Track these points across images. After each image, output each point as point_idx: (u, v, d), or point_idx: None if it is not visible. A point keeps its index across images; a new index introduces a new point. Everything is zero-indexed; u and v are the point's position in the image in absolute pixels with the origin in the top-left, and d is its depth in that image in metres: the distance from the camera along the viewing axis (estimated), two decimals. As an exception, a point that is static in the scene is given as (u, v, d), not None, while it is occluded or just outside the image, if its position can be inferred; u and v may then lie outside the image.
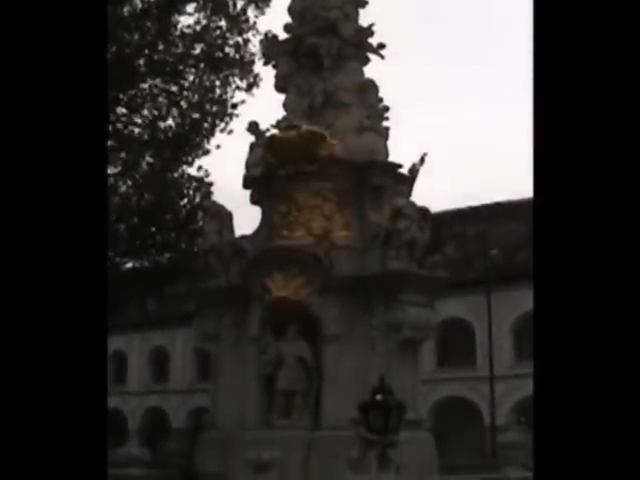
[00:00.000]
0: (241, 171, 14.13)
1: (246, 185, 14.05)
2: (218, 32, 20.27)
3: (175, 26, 20.14)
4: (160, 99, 20.25)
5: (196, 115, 20.34)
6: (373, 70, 14.73)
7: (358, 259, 12.67)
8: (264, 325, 12.60)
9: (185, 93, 20.31)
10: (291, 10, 14.83)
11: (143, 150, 19.78)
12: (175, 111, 20.30)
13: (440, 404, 24.01)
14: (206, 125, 20.37)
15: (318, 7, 14.27)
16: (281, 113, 14.32)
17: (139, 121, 20.22)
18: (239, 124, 18.50)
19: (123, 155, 19.77)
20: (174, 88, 20.26)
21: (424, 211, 12.70)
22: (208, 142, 20.64)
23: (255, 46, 19.82)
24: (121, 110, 19.71)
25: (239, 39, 20.35)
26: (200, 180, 20.42)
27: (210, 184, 20.29)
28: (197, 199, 20.28)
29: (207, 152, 20.75)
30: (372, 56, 14.68)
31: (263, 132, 14.11)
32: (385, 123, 13.88)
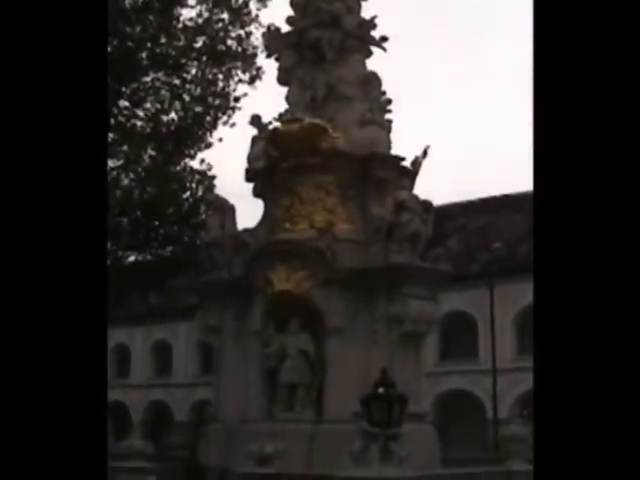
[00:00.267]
0: (243, 164, 14.14)
1: (248, 178, 14.04)
2: (220, 25, 20.23)
3: (177, 19, 20.12)
4: (162, 92, 20.24)
5: (198, 108, 20.33)
6: (376, 63, 14.72)
7: (361, 252, 12.66)
8: (267, 318, 12.61)
9: (187, 86, 20.30)
10: (293, 3, 14.79)
11: (145, 143, 19.77)
12: (177, 104, 20.29)
13: (442, 397, 24.03)
14: (208, 118, 20.37)
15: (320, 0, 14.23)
16: (283, 106, 14.30)
17: (141, 114, 20.22)
18: (241, 117, 18.51)
19: (125, 148, 19.77)
20: (176, 81, 20.25)
21: (427, 204, 12.68)
22: (210, 135, 20.67)
23: (257, 39, 19.81)
24: (123, 103, 19.71)
25: (241, 32, 20.33)
26: (202, 173, 20.42)
27: (213, 177, 20.27)
28: (199, 192, 20.28)
29: (209, 145, 20.76)
30: (375, 49, 14.66)
31: (265, 125, 14.09)
32: (388, 116, 13.86)
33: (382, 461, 9.23)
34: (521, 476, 10.38)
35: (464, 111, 58.66)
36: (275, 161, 13.37)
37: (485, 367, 24.19)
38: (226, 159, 21.80)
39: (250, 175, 13.99)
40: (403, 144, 13.89)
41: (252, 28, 20.29)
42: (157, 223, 20.33)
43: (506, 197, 27.14)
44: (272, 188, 13.69)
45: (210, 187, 19.94)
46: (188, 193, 20.49)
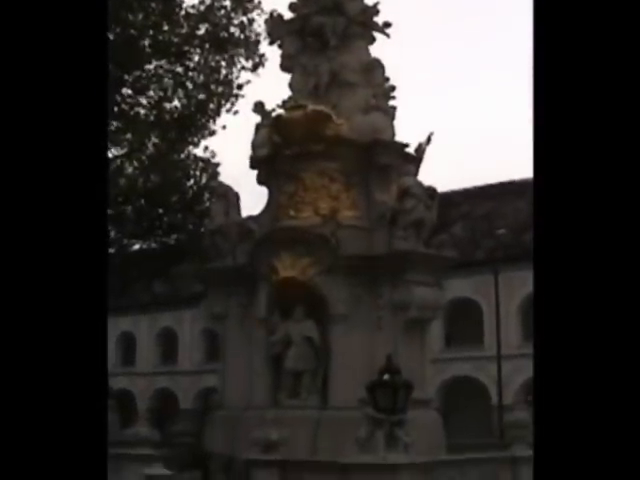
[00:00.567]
0: (247, 151, 14.11)
1: (252, 165, 14.02)
2: (223, 12, 20.15)
3: (179, 6, 20.04)
4: (165, 80, 20.19)
5: (202, 96, 20.28)
6: (379, 49, 14.66)
7: (365, 239, 12.65)
8: (271, 305, 12.61)
9: (190, 74, 20.25)
10: (296, -11, 14.71)
11: (149, 131, 19.74)
12: (180, 92, 20.25)
13: (447, 384, 24.06)
14: (212, 106, 20.33)
15: (323, -15, 14.15)
16: (287, 93, 14.26)
17: (145, 102, 20.19)
18: (245, 104, 18.47)
19: (129, 136, 19.74)
20: (179, 69, 20.20)
21: (431, 190, 12.66)
22: (214, 123, 20.63)
23: (260, 26, 19.75)
24: (126, 91, 19.67)
25: (244, 19, 20.25)
26: (206, 161, 20.40)
27: (216, 165, 20.28)
28: (203, 180, 20.27)
29: (213, 133, 20.73)
30: (378, 35, 14.59)
31: (269, 112, 14.05)
32: (391, 102, 13.80)
33: (387, 447, 9.26)
34: (526, 462, 10.39)
35: (468, 97, 58.50)
36: (279, 148, 13.35)
37: (490, 353, 24.20)
38: (230, 146, 21.80)
39: (254, 162, 13.97)
40: (407, 131, 13.87)
41: (255, 15, 20.24)
42: (161, 211, 20.33)
43: (510, 183, 27.06)
44: (276, 175, 13.67)
45: (214, 175, 19.95)
46: (192, 181, 20.48)
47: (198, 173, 20.47)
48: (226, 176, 16.15)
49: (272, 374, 12.55)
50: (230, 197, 13.89)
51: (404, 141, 13.50)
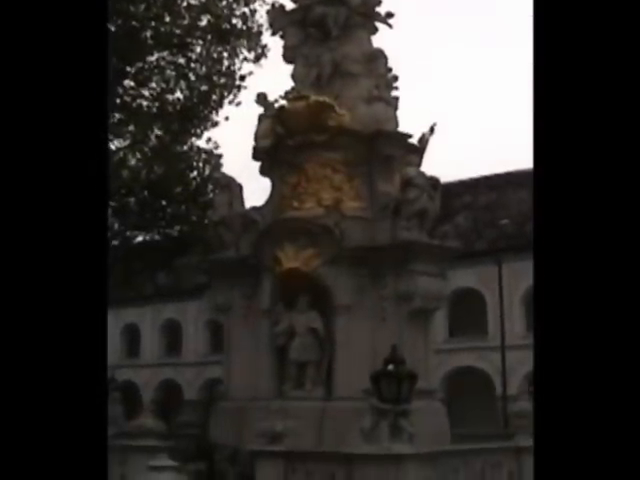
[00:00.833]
0: (250, 143, 14.10)
1: (255, 156, 14.01)
2: (225, 3, 20.09)
3: (181, -3, 19.96)
4: (168, 71, 20.15)
5: (204, 87, 20.24)
6: (381, 39, 14.61)
7: (368, 229, 12.64)
8: (275, 296, 12.62)
9: (193, 65, 20.20)
10: (297, -21, 14.66)
11: (151, 123, 19.71)
12: (183, 83, 20.21)
13: (452, 374, 24.06)
14: (214, 97, 20.28)
15: (325, -24, 14.10)
16: (289, 84, 14.23)
17: (147, 94, 20.15)
18: (247, 96, 18.43)
19: (132, 128, 19.72)
20: (181, 60, 20.15)
21: (434, 181, 12.64)
22: (217, 114, 20.60)
23: (262, 17, 19.68)
24: (129, 83, 19.64)
25: (246, 10, 20.20)
26: (209, 152, 20.36)
27: (219, 156, 20.19)
28: (206, 171, 20.23)
29: (216, 124, 20.70)
30: (380, 25, 14.54)
31: (271, 103, 14.04)
32: (394, 93, 13.77)
33: (392, 437, 9.27)
34: (530, 452, 10.39)
35: (471, 88, 58.32)
36: (281, 139, 13.33)
37: (494, 344, 24.19)
38: (232, 138, 21.76)
39: (257, 153, 13.95)
40: (409, 121, 13.83)
41: (256, 6, 20.18)
42: (164, 203, 20.31)
43: (513, 174, 26.99)
44: (279, 166, 13.66)
45: (217, 166, 19.86)
46: (195, 172, 20.45)
47: (201, 164, 20.44)
48: (229, 167, 16.10)
49: (276, 365, 12.56)
50: (233, 188, 13.88)
51: (407, 131, 13.48)
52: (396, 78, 13.81)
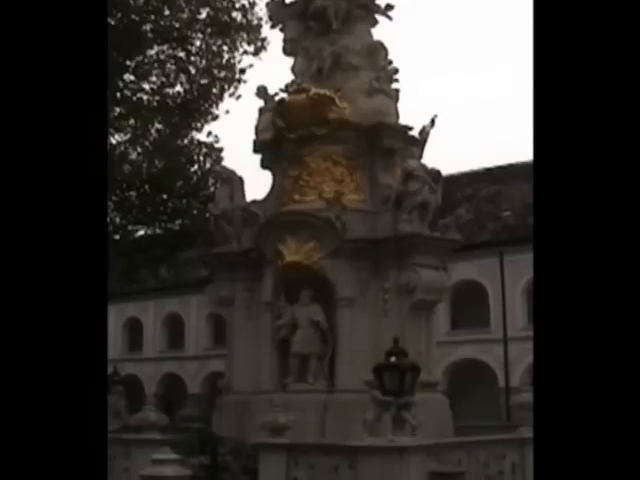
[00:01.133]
0: (251, 136, 14.08)
1: (256, 150, 13.99)
2: (224, -4, 20.01)
3: (180, -10, 19.88)
4: (167, 65, 20.09)
5: (204, 80, 20.19)
6: (382, 32, 14.57)
7: (370, 222, 12.63)
8: (277, 289, 12.63)
9: (192, 58, 20.14)
10: (297, -28, 14.61)
11: (152, 117, 19.67)
12: (183, 77, 20.15)
13: (454, 366, 24.04)
14: (214, 90, 20.23)
15: (325, -32, 14.04)
16: (289, 77, 14.20)
17: (147, 88, 20.09)
18: (248, 89, 18.39)
19: (132, 122, 19.67)
20: (181, 54, 20.09)
21: (435, 173, 12.62)
22: (217, 107, 20.54)
23: (262, 9, 19.58)
24: (129, 77, 19.57)
25: (245, 2, 20.12)
26: (210, 146, 20.33)
27: (220, 149, 20.19)
28: (207, 165, 20.20)
29: (216, 117, 20.65)
30: (381, 17, 14.51)
31: (272, 96, 14.01)
32: (394, 85, 13.75)
33: (394, 430, 9.27)
34: (533, 443, 10.40)
35: (472, 79, 58.18)
36: (282, 132, 13.31)
37: (496, 336, 24.16)
38: (233, 131, 21.73)
39: (258, 146, 13.94)
40: (410, 113, 13.81)
41: (256, -2, 20.09)
42: (165, 197, 20.27)
43: (514, 166, 26.94)
44: (280, 159, 13.65)
45: (218, 159, 19.84)
46: (196, 166, 20.41)
47: (202, 158, 20.39)
48: (230, 161, 16.07)
49: (279, 358, 12.58)
50: (234, 182, 13.88)
51: (408, 124, 13.46)
52: (396, 70, 13.79)
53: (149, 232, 21.12)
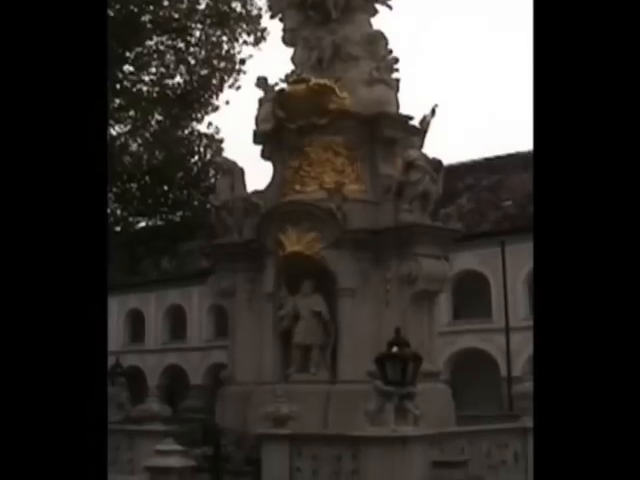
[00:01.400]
0: (251, 127, 14.04)
1: (256, 140, 13.96)
2: (223, -14, 19.95)
3: (179, -19, 19.82)
4: (167, 56, 20.06)
5: (204, 71, 20.15)
6: (381, 21, 14.51)
7: (371, 212, 12.61)
8: (279, 280, 12.62)
9: (192, 49, 20.10)
10: (296, -39, 14.53)
11: (152, 108, 19.64)
12: (182, 68, 20.11)
13: (456, 356, 24.06)
14: (214, 81, 20.20)
15: (324, -43, 13.96)
16: (289, 67, 14.16)
17: (147, 79, 20.06)
18: (247, 80, 18.35)
19: (132, 114, 19.65)
20: (181, 44, 20.05)
21: (436, 163, 12.58)
22: (217, 98, 20.51)
23: (261, 0, 19.55)
24: (128, 68, 19.54)
25: (245, -8, 20.06)
26: (210, 137, 20.31)
27: (221, 140, 20.17)
28: (208, 156, 20.18)
29: (216, 108, 20.62)
30: (380, 7, 14.44)
31: (272, 87, 13.97)
32: (395, 75, 13.69)
33: (397, 420, 9.28)
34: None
35: (473, 69, 58.01)
36: (283, 122, 13.27)
37: (498, 326, 24.15)
38: (233, 122, 21.69)
39: (258, 137, 13.90)
40: (411, 103, 13.76)
41: (255, -12, 20.03)
42: (166, 188, 20.27)
43: (516, 155, 26.87)
44: (280, 150, 13.62)
45: (218, 150, 19.82)
46: (196, 157, 20.40)
47: (202, 149, 20.38)
48: (230, 152, 16.02)
49: (281, 349, 12.58)
50: (235, 172, 13.85)
51: (408, 114, 13.41)
52: (397, 60, 13.72)
53: (150, 224, 21.13)
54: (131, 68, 19.61)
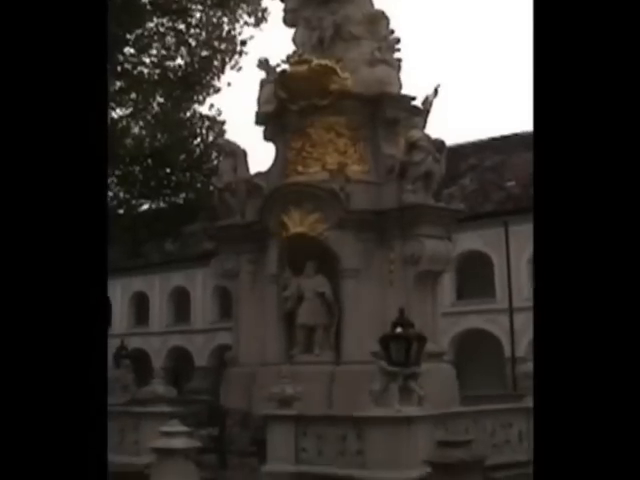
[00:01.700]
0: (253, 108, 13.99)
1: (258, 122, 13.92)
2: (223, -34, 19.78)
3: (179, -39, 19.67)
4: (168, 38, 19.92)
5: (205, 53, 20.02)
6: (383, 1, 14.41)
7: (374, 193, 12.59)
8: (282, 261, 12.63)
9: (193, 31, 19.95)
10: (296, -59, 14.42)
11: (153, 90, 19.54)
12: (183, 49, 19.98)
13: (460, 336, 24.11)
14: (216, 63, 20.06)
15: None
16: (291, 48, 14.08)
17: (147, 61, 19.93)
18: (249, 61, 18.26)
19: (133, 96, 19.55)
20: (181, 26, 19.90)
21: (439, 143, 12.55)
22: (219, 80, 20.39)
23: (262, -21, 19.39)
24: (129, 50, 19.41)
25: (245, -27, 19.89)
26: (212, 119, 20.23)
27: (223, 122, 20.09)
28: (210, 138, 20.10)
29: (218, 90, 20.50)
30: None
31: (273, 68, 13.90)
32: (397, 55, 13.61)
33: (401, 400, 9.30)
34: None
35: (476, 48, 57.70)
36: (284, 104, 13.23)
37: (502, 306, 24.17)
38: (235, 103, 21.60)
39: (260, 118, 13.86)
40: (413, 83, 13.70)
41: (256, -31, 19.86)
42: (169, 170, 20.21)
43: (519, 135, 26.77)
44: (283, 131, 13.58)
45: (220, 132, 19.76)
46: (199, 139, 20.32)
47: (204, 131, 20.29)
48: (232, 133, 16.01)
49: (285, 330, 12.61)
50: (237, 154, 13.83)
51: (411, 94, 13.35)
52: (398, 40, 13.64)
53: (153, 206, 21.09)
54: (132, 50, 19.49)
